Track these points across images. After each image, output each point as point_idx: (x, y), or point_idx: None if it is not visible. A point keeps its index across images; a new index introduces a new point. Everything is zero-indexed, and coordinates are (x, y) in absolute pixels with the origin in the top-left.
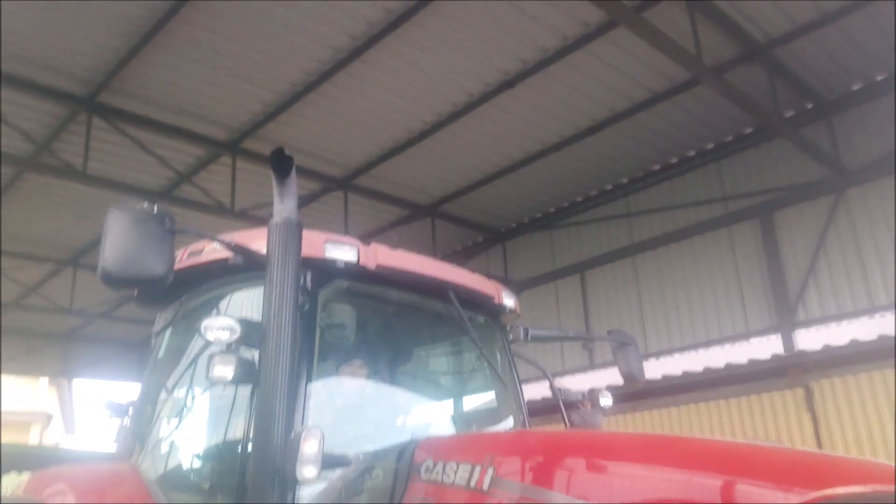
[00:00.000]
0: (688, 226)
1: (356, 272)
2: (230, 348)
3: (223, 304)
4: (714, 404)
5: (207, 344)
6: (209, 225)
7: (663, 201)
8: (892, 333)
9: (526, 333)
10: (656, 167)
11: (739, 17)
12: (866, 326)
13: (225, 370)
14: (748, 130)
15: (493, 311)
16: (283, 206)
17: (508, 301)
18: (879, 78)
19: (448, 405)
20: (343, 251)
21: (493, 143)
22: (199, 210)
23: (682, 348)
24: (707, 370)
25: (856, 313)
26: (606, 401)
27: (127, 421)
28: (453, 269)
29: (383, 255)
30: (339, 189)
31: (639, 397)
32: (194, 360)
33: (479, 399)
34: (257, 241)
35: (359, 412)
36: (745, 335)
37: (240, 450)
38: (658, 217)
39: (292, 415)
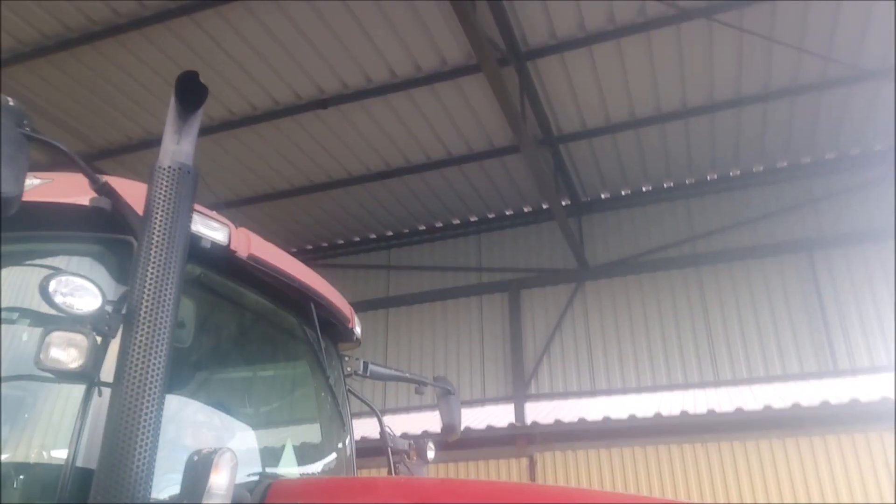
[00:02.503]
0: (444, 288)
1: (221, 258)
2: (77, 324)
3: (50, 264)
4: (444, 466)
5: (25, 317)
6: None
7: (424, 261)
8: (620, 416)
9: (365, 368)
10: (422, 227)
11: (546, 105)
12: (592, 407)
13: (67, 355)
14: (508, 212)
15: (340, 335)
16: (179, 149)
17: (357, 328)
18: (624, 192)
19: (280, 436)
20: (212, 228)
21: (279, 162)
22: None
23: (421, 408)
24: None
25: (580, 394)
26: (431, 453)
27: None
28: (318, 277)
29: (257, 245)
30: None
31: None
32: None
33: (311, 433)
34: (129, 192)
35: (179, 433)
36: (482, 401)
37: (63, 473)
38: (417, 275)
39: (158, 430)
